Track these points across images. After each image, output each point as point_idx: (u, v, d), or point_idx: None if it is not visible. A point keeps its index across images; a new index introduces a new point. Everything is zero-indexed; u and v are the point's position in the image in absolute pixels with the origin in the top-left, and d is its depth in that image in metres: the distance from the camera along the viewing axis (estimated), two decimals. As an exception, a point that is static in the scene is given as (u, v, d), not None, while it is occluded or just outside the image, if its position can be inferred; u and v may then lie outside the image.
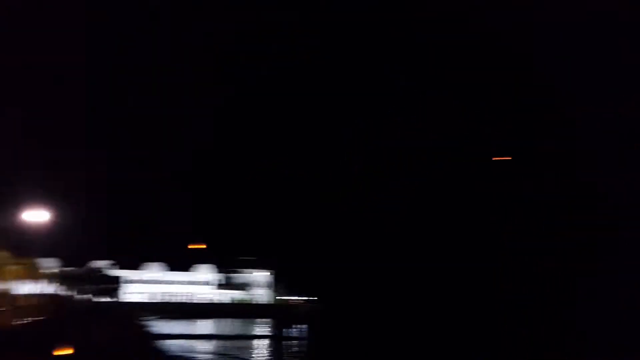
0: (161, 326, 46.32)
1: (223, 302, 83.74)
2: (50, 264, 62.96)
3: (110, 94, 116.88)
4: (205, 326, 52.33)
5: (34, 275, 53.36)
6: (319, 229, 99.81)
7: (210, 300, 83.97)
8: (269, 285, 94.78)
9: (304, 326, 55.46)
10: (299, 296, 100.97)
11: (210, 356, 32.09)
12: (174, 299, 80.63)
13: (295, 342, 41.45)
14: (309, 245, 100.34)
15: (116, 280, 72.11)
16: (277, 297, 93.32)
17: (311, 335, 48.93)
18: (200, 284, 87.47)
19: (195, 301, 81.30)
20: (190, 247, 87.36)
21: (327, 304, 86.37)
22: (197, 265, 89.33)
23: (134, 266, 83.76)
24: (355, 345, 37.15)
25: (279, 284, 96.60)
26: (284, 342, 41.78)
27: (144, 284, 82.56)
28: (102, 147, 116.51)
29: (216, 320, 61.42)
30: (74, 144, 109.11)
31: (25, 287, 51.26)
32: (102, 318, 35.45)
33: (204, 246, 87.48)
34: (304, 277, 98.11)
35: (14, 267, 46.08)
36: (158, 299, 79.20)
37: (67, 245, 65.39)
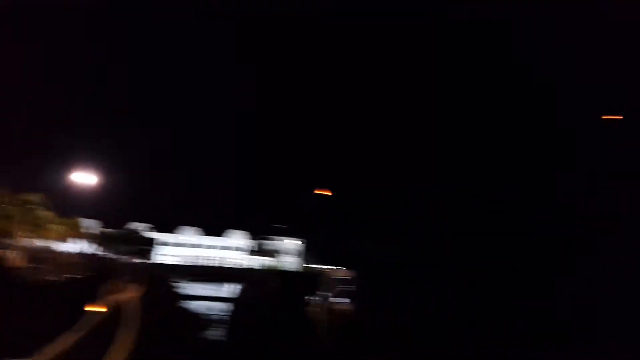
0: (190, 288, 48.87)
1: (253, 267, 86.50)
2: (91, 225, 66.57)
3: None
4: (231, 290, 54.76)
5: (76, 234, 56.94)
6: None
7: (241, 265, 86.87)
8: (299, 254, 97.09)
9: (329, 294, 56.98)
10: (327, 265, 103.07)
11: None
12: (205, 263, 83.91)
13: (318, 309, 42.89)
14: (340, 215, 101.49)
15: (151, 242, 75.56)
16: (306, 265, 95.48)
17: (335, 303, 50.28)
18: (232, 249, 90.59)
19: (225, 265, 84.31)
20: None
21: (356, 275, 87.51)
22: (230, 230, 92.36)
23: (170, 229, 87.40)
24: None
25: (309, 253, 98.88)
26: (307, 309, 43.45)
27: (178, 247, 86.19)
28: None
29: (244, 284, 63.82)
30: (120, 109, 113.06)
31: (67, 246, 54.86)
32: (136, 278, 37.98)
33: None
34: (333, 247, 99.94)
35: (57, 226, 49.40)
36: (190, 261, 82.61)
37: (108, 206, 68.92)
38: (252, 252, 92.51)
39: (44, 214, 46.51)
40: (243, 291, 51.03)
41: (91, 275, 34.27)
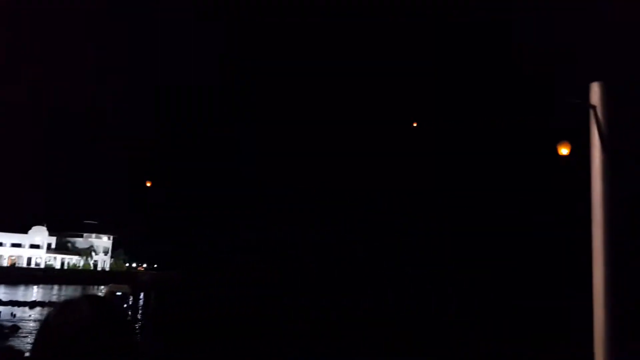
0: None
1: (55, 267, 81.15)
2: None
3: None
4: (32, 293, 51.49)
5: None
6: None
7: (40, 265, 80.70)
8: (108, 252, 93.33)
9: (142, 294, 55.86)
10: (141, 264, 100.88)
11: (36, 324, 32.73)
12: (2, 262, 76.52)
13: (129, 311, 42.21)
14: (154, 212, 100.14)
15: None
16: (117, 264, 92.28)
17: (148, 304, 49.77)
18: (31, 247, 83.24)
19: (23, 265, 77.82)
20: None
21: (170, 273, 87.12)
22: (31, 227, 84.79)
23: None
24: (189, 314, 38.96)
25: (120, 251, 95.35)
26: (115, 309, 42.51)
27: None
28: None
29: (45, 286, 60.03)
30: None
31: None
32: None
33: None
34: (147, 245, 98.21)
35: None
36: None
37: None
38: (54, 250, 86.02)
39: None
40: (49, 296, 48.50)
41: None
